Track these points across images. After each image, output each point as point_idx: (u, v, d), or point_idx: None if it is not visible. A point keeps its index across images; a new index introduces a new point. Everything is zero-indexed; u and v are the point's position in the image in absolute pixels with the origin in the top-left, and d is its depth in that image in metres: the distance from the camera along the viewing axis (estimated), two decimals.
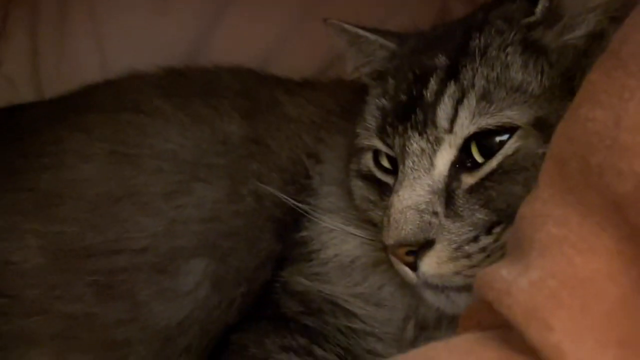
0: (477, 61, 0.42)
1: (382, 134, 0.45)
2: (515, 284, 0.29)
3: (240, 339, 0.47)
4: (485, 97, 0.40)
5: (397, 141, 0.43)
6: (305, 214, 0.50)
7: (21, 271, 0.45)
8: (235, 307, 0.48)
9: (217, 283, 0.47)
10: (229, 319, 0.48)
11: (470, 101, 0.40)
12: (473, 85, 0.41)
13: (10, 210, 0.47)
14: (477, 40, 0.43)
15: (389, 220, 0.41)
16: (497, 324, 0.29)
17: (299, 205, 0.49)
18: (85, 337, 0.45)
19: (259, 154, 0.53)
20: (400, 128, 0.43)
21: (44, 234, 0.46)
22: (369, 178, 0.48)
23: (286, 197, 0.49)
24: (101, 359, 0.45)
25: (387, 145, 0.45)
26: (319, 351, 0.45)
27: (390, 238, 0.40)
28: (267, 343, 0.45)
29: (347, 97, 0.58)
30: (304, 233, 0.51)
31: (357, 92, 0.55)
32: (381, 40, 0.51)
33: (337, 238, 0.50)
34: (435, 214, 0.40)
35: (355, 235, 0.48)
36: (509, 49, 0.42)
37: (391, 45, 0.51)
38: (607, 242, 0.28)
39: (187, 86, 0.58)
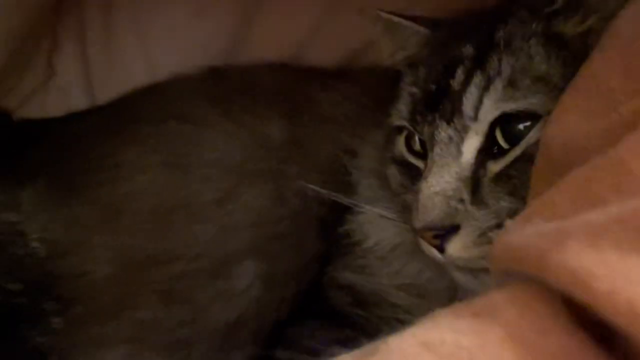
0: (503, 51, 0.44)
1: (413, 122, 0.48)
2: None
3: (294, 333, 0.50)
4: (511, 84, 0.42)
5: (426, 129, 0.46)
6: (347, 208, 0.54)
7: (93, 281, 0.49)
8: (286, 304, 0.52)
9: (268, 283, 0.51)
10: (281, 315, 0.52)
11: (497, 88, 0.42)
12: (499, 74, 0.43)
13: (77, 224, 0.51)
14: (501, 32, 0.45)
15: (417, 205, 0.44)
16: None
17: (341, 198, 0.52)
18: (153, 338, 0.49)
19: (299, 156, 0.55)
20: (429, 117, 0.46)
21: (109, 246, 0.50)
22: (402, 163, 0.51)
23: (329, 192, 0.52)
24: (167, 357, 0.49)
25: (417, 132, 0.47)
26: (366, 343, 0.49)
27: (418, 222, 0.43)
28: (318, 336, 0.49)
29: (381, 89, 0.60)
30: (347, 226, 0.54)
31: (390, 82, 0.57)
32: (415, 26, 0.53)
33: (377, 227, 0.53)
34: (461, 200, 0.43)
35: (394, 220, 0.51)
36: (532, 40, 0.43)
37: (424, 31, 0.53)
38: None
39: (228, 89, 0.61)
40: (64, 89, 0.68)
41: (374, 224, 0.53)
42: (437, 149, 0.44)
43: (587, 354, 0.24)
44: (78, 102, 0.68)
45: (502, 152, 0.43)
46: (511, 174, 0.42)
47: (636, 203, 0.25)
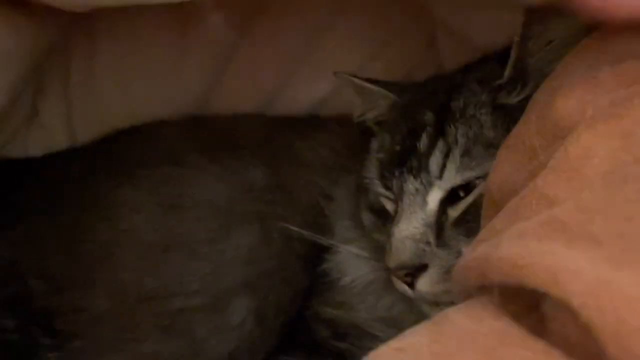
0: (459, 120, 0.51)
1: (382, 179, 0.54)
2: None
3: None
4: (466, 153, 0.50)
5: (395, 183, 0.53)
6: (326, 248, 0.59)
7: (92, 316, 0.52)
8: (276, 335, 0.56)
9: (259, 317, 0.56)
10: (271, 346, 0.56)
11: (455, 156, 0.50)
12: (456, 142, 0.50)
13: (76, 261, 0.54)
14: (457, 101, 0.52)
15: (390, 247, 0.50)
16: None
17: (320, 238, 0.58)
18: None
19: (282, 199, 0.60)
20: (397, 172, 0.53)
21: (108, 282, 0.53)
22: (376, 210, 0.56)
23: (309, 233, 0.58)
24: None
25: (387, 187, 0.54)
26: None
27: (392, 262, 0.50)
28: None
29: (351, 137, 0.66)
30: (325, 265, 0.59)
31: (359, 131, 0.63)
32: (383, 91, 0.60)
33: (353, 265, 0.59)
34: (428, 243, 0.50)
35: (368, 259, 0.57)
36: (483, 110, 0.51)
37: (392, 96, 0.59)
38: None
39: (213, 137, 0.65)
40: (46, 127, 0.69)
41: (350, 262, 0.59)
42: (405, 199, 0.51)
43: (514, 332, 0.31)
44: (60, 141, 0.70)
45: (459, 199, 0.50)
46: (467, 218, 0.49)
47: (550, 212, 0.33)
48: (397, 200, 0.52)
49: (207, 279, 0.55)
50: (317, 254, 0.59)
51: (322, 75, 0.73)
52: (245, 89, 0.75)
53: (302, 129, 0.68)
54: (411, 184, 0.51)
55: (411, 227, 0.50)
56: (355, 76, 0.61)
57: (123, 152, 0.64)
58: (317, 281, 0.59)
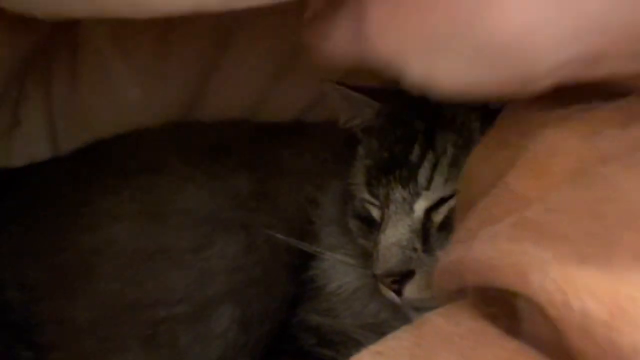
0: (449, 128, 0.51)
1: (369, 186, 0.54)
2: None
3: None
4: (455, 162, 0.49)
5: (382, 190, 0.52)
6: (312, 255, 0.59)
7: (74, 327, 0.51)
8: (261, 344, 0.55)
9: (243, 325, 0.55)
10: (257, 353, 0.55)
11: (444, 167, 0.49)
12: (445, 152, 0.50)
13: (57, 271, 0.53)
14: (447, 109, 0.52)
15: (377, 255, 0.50)
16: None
17: (306, 246, 0.57)
18: None
19: (267, 206, 0.60)
20: (384, 180, 0.52)
21: (89, 292, 0.53)
22: (362, 217, 0.56)
23: (295, 240, 0.57)
24: None
25: (374, 195, 0.53)
26: None
27: (379, 269, 0.49)
28: None
29: (336, 143, 0.66)
30: (311, 272, 0.59)
31: (344, 137, 0.63)
32: (367, 99, 0.59)
33: (339, 272, 0.58)
34: (414, 249, 0.49)
35: (354, 266, 0.57)
36: (473, 116, 0.50)
37: (376, 104, 0.59)
38: None
39: (196, 144, 0.65)
40: (28, 137, 0.69)
41: (336, 269, 0.58)
42: (392, 207, 0.51)
43: (490, 332, 0.33)
44: (43, 151, 0.69)
45: (443, 203, 0.50)
46: (451, 222, 0.49)
47: (520, 214, 0.34)
48: (384, 207, 0.52)
49: (190, 288, 0.54)
50: (303, 261, 0.59)
51: (308, 82, 0.73)
52: (230, 97, 0.75)
53: (287, 135, 0.67)
54: (399, 193, 0.51)
55: (398, 233, 0.49)
56: (341, 83, 0.60)
57: (105, 161, 0.63)
58: (303, 288, 0.58)
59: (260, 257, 0.57)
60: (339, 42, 0.37)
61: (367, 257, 0.54)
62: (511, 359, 0.31)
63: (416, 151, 0.51)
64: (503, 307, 0.32)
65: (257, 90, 0.75)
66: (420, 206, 0.50)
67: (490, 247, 0.33)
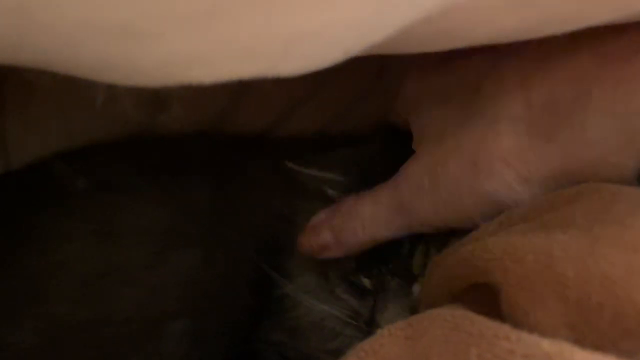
0: None
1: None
2: None
3: None
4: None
5: (376, 273, 0.50)
6: (280, 271, 0.56)
7: (19, 352, 0.48)
8: (220, 358, 0.52)
9: (198, 339, 0.52)
10: None
11: (433, 255, 0.47)
12: (435, 240, 0.47)
13: (5, 294, 0.50)
14: None
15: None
16: None
17: (272, 273, 0.54)
18: None
19: (230, 221, 0.57)
20: (375, 270, 0.50)
21: (37, 315, 0.50)
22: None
23: (261, 263, 0.54)
24: None
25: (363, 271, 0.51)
26: None
27: None
28: None
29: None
30: (280, 291, 0.56)
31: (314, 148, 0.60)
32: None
33: (310, 294, 0.55)
34: None
35: (328, 291, 0.54)
36: None
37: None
38: None
39: (155, 158, 0.62)
40: None
41: (308, 290, 0.55)
42: (389, 292, 0.49)
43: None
44: None
45: None
46: None
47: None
48: (378, 289, 0.50)
49: (142, 305, 0.51)
50: (269, 278, 0.56)
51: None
52: (191, 113, 0.73)
53: (250, 148, 0.65)
54: (393, 282, 0.49)
55: (398, 316, 0.48)
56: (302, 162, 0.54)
57: (58, 178, 0.61)
58: (269, 304, 0.55)
59: (219, 272, 0.55)
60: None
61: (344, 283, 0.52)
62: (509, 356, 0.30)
63: (405, 245, 0.49)
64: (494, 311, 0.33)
65: (220, 106, 0.73)
66: (418, 288, 0.49)
67: (476, 247, 0.35)
